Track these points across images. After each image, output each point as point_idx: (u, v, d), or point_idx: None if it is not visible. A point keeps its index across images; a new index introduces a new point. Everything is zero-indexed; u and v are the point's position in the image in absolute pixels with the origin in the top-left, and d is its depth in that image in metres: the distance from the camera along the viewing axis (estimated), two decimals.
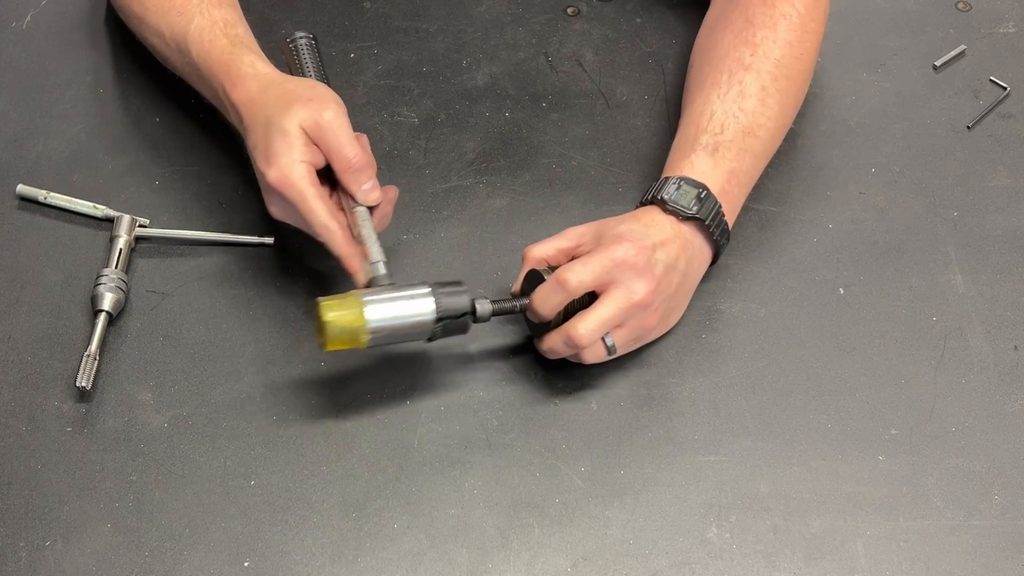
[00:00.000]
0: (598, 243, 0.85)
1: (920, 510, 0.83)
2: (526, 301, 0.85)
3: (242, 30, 0.93)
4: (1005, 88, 1.08)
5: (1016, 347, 0.92)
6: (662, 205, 0.87)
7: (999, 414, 0.88)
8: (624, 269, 0.83)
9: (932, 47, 1.12)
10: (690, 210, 0.86)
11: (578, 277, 0.82)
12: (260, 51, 0.92)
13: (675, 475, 0.85)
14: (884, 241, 0.98)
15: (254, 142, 0.86)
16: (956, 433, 0.87)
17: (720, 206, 0.88)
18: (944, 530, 0.82)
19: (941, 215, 1.00)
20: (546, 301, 0.83)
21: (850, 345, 0.92)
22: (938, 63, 1.10)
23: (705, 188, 0.88)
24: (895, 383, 0.90)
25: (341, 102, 0.86)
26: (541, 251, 0.87)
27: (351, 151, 0.84)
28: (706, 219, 0.87)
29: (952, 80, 1.10)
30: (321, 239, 0.84)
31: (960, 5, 1.16)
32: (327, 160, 0.85)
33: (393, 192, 0.89)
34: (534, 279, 0.86)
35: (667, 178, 0.88)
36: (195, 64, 0.92)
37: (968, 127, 1.06)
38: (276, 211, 0.86)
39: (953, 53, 1.11)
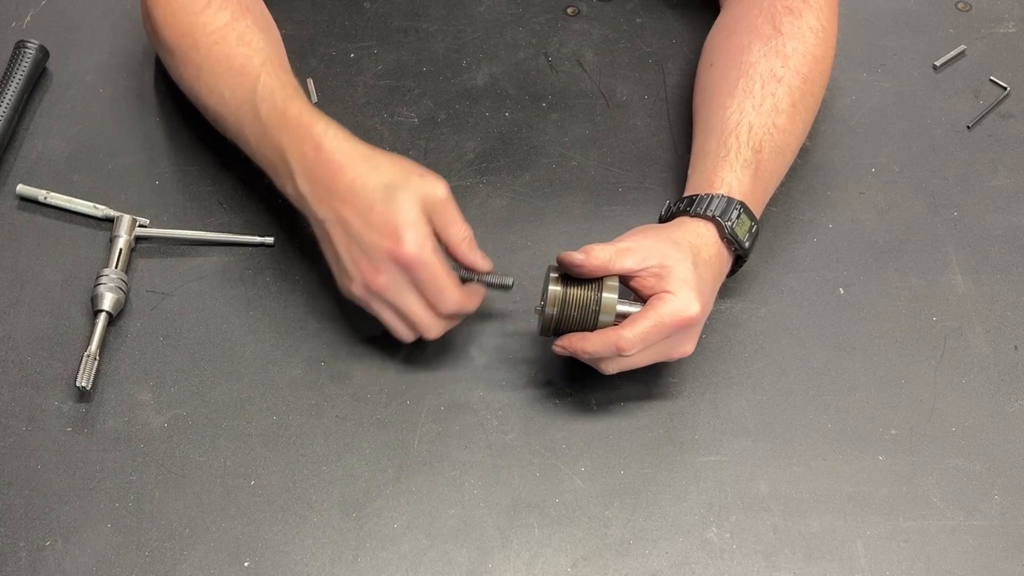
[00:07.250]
0: (661, 273, 0.81)
1: (920, 510, 0.83)
2: (508, 281, 0.86)
3: (305, 95, 0.90)
4: (1005, 88, 1.08)
5: (1016, 347, 0.92)
6: (719, 228, 0.85)
7: (999, 414, 0.88)
8: (682, 328, 0.82)
9: (932, 47, 1.12)
10: (744, 245, 0.86)
11: (635, 348, 0.81)
12: None
13: (675, 475, 0.85)
14: (884, 241, 0.98)
15: (365, 204, 0.82)
16: (956, 433, 0.87)
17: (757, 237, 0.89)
18: (944, 530, 0.82)
19: (941, 215, 1.00)
20: (593, 354, 0.82)
21: (850, 345, 0.92)
22: (938, 63, 1.10)
23: (756, 223, 0.87)
24: (895, 383, 0.90)
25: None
26: (612, 269, 0.83)
27: (465, 226, 0.84)
28: (748, 255, 0.88)
29: (952, 80, 1.10)
30: (448, 310, 0.83)
31: (960, 5, 1.15)
32: (438, 234, 0.83)
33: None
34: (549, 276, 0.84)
35: (723, 196, 0.86)
36: (263, 122, 0.87)
37: (968, 127, 1.06)
38: (384, 281, 0.82)
39: (953, 53, 1.11)
